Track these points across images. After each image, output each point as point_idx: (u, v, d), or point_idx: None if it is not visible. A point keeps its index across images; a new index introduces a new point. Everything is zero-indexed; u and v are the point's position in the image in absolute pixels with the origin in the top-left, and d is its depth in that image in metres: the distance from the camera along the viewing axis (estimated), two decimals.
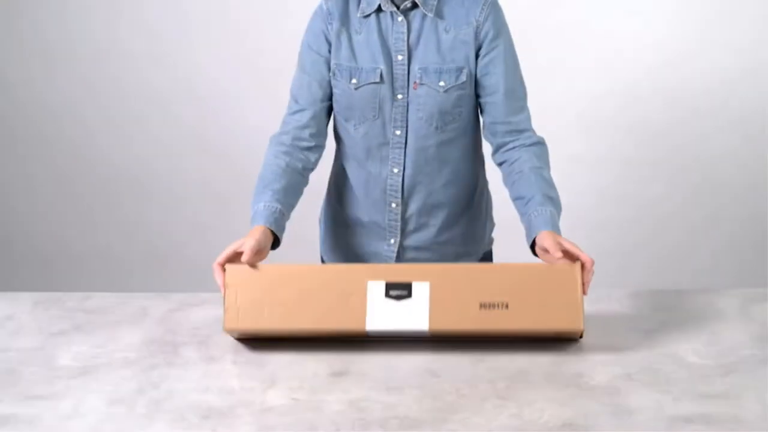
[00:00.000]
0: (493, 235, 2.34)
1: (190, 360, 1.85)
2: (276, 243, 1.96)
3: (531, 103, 2.09)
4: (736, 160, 3.40)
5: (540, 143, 2.08)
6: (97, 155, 3.69)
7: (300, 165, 2.08)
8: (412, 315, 1.78)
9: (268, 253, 1.93)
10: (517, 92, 2.08)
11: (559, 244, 1.85)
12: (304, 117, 2.10)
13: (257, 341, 1.90)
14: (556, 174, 2.02)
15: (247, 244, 1.87)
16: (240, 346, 1.90)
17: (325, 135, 2.15)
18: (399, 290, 1.80)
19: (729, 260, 3.47)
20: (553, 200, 1.98)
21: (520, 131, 2.07)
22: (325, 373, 1.76)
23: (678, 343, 1.84)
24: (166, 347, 1.91)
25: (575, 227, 3.54)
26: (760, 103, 3.32)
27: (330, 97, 2.12)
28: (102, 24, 3.54)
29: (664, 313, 1.99)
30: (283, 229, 1.98)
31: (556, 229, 1.91)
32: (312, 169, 2.13)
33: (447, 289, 1.81)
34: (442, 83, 2.04)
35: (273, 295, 1.83)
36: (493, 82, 2.05)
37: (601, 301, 2.06)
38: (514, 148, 2.07)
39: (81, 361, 1.85)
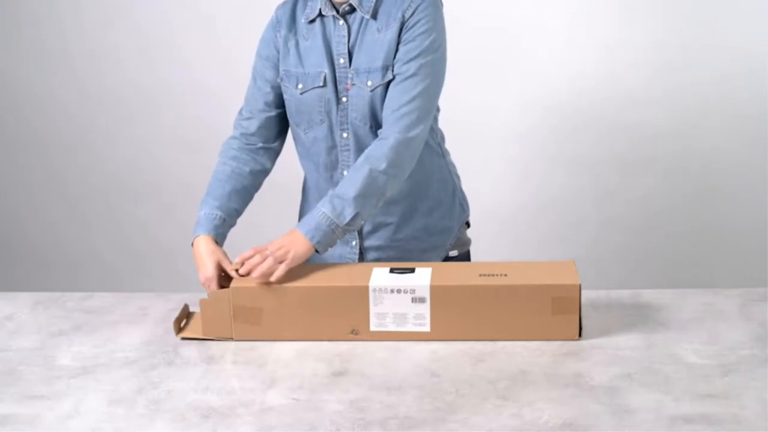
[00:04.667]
0: (471, 235, 2.33)
1: (190, 360, 1.85)
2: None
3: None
4: (737, 160, 3.39)
5: (384, 142, 2.00)
6: (94, 157, 3.69)
7: (247, 168, 2.15)
8: (414, 280, 1.88)
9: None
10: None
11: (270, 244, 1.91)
12: (252, 126, 2.18)
13: (257, 341, 1.90)
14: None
15: (226, 266, 1.97)
16: (240, 346, 1.90)
17: (277, 139, 2.20)
18: (402, 270, 1.93)
19: (729, 260, 3.47)
20: (340, 198, 1.96)
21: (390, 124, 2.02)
22: (325, 373, 1.76)
23: (678, 343, 1.84)
24: (166, 347, 1.91)
25: (576, 227, 3.56)
26: (760, 103, 3.32)
27: (281, 104, 2.17)
28: (95, 26, 3.54)
29: (664, 313, 1.99)
30: (223, 235, 2.07)
31: (308, 229, 1.93)
32: (265, 171, 2.19)
33: (448, 269, 1.96)
34: (369, 82, 2.05)
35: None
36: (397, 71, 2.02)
37: (601, 301, 2.06)
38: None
39: (81, 361, 1.86)
